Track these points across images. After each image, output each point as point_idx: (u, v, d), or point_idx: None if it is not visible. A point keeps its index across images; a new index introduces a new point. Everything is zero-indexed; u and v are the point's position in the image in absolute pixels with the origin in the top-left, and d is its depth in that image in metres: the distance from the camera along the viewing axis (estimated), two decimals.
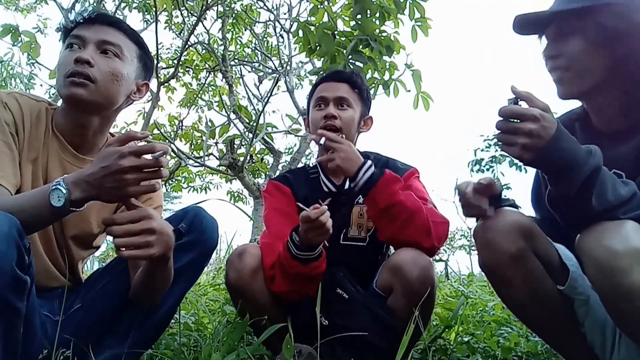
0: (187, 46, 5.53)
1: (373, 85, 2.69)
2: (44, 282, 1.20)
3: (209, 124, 6.48)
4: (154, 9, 4.02)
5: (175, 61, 5.42)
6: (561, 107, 1.28)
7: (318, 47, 2.56)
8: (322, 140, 1.40)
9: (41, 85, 5.99)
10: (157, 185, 1.08)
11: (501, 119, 0.96)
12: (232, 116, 6.26)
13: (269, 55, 6.58)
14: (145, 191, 1.01)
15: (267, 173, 6.78)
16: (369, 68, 2.59)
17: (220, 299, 2.35)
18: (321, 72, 2.52)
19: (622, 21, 1.07)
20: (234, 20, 6.05)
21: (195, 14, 5.13)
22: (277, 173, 5.77)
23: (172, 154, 5.77)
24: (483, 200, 1.08)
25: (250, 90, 6.77)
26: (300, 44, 2.68)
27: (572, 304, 1.08)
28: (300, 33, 2.62)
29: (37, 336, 1.08)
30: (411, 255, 1.30)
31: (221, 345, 1.30)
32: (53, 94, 5.26)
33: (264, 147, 6.59)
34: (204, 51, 6.45)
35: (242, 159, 5.87)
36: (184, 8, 5.30)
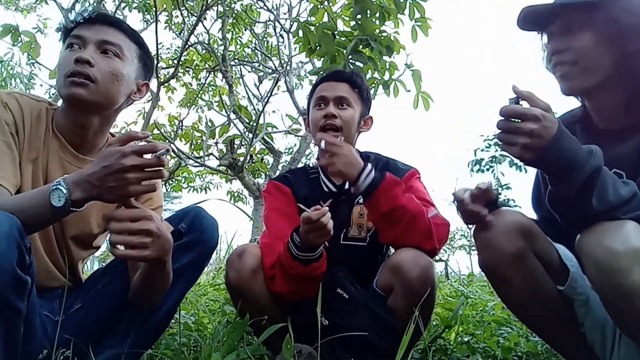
0: (187, 46, 5.53)
1: (373, 85, 2.68)
2: (44, 282, 1.20)
3: (209, 124, 6.48)
4: (154, 9, 4.02)
5: (175, 61, 5.42)
6: (562, 107, 1.28)
7: (318, 47, 2.56)
8: (323, 144, 1.40)
9: (41, 85, 6.02)
10: (156, 185, 1.08)
11: (502, 118, 0.96)
12: (232, 116, 6.26)
13: (269, 55, 6.58)
14: (145, 191, 1.01)
15: (267, 173, 6.78)
16: (369, 68, 2.59)
17: (220, 299, 2.35)
18: (321, 72, 2.52)
19: (633, 16, 1.06)
20: (234, 20, 6.05)
21: (195, 14, 5.13)
22: (277, 173, 5.76)
23: (172, 154, 5.77)
24: (481, 206, 1.08)
25: (250, 90, 6.78)
26: (300, 44, 2.68)
27: (572, 304, 1.08)
28: (300, 33, 2.61)
29: (37, 336, 1.08)
30: (411, 255, 1.30)
31: (221, 345, 1.30)
32: (53, 94, 5.26)
33: (264, 147, 6.59)
34: (204, 51, 6.45)
35: (242, 159, 5.87)
36: (184, 8, 5.30)
